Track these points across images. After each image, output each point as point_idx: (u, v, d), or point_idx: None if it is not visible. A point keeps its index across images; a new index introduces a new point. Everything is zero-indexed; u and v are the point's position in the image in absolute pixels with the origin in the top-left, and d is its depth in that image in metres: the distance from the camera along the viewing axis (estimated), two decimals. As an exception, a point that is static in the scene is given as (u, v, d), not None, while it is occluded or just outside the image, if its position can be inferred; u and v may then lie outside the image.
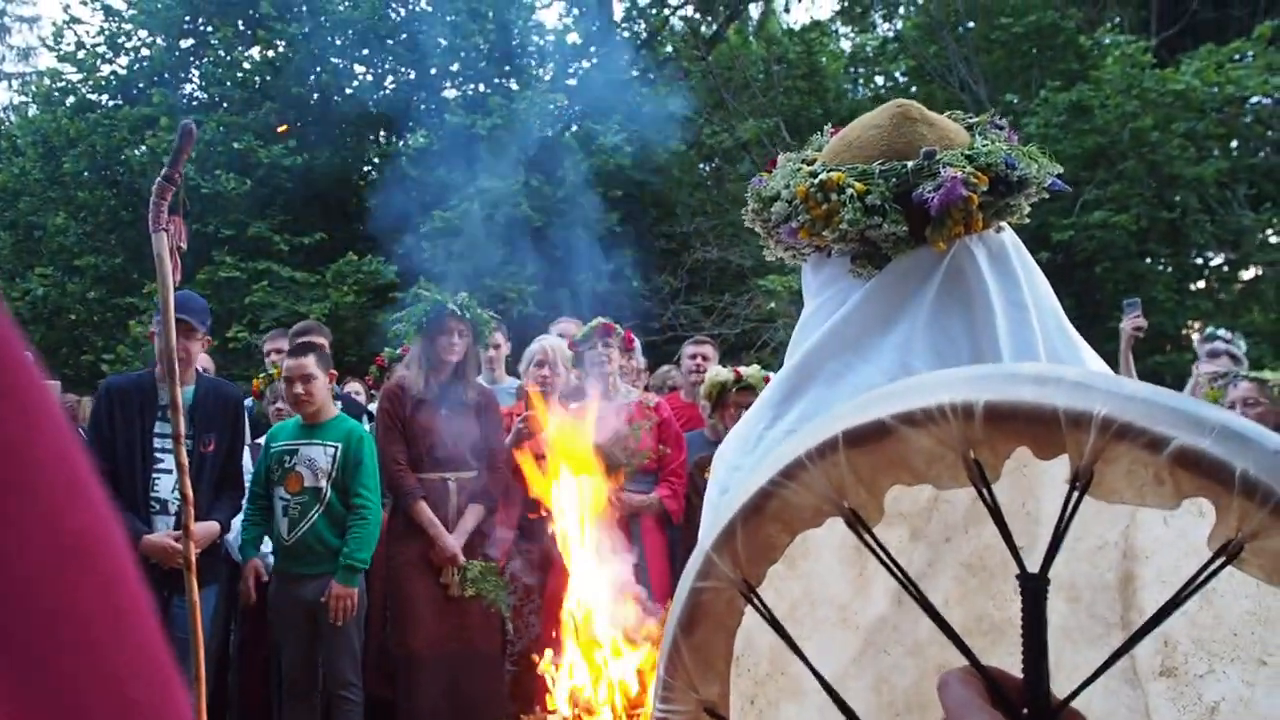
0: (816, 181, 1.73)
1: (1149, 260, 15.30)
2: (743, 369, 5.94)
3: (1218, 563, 0.69)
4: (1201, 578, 0.70)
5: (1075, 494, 0.70)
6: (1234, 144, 15.45)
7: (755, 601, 0.79)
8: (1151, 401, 0.69)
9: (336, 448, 5.54)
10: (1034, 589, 0.72)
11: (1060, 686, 0.75)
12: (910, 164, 1.69)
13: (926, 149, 1.70)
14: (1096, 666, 0.75)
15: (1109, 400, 0.68)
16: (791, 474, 0.76)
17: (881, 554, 0.76)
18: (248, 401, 6.53)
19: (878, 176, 1.69)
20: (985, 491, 0.73)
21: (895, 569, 0.76)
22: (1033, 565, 0.73)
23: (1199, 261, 16.15)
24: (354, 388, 7.48)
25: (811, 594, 0.82)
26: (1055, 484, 0.74)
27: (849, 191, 1.68)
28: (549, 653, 4.50)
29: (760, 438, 1.70)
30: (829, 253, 1.78)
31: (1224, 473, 0.66)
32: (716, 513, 1.68)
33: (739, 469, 1.70)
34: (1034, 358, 1.60)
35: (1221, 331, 6.83)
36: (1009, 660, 0.75)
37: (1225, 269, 16.18)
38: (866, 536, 0.76)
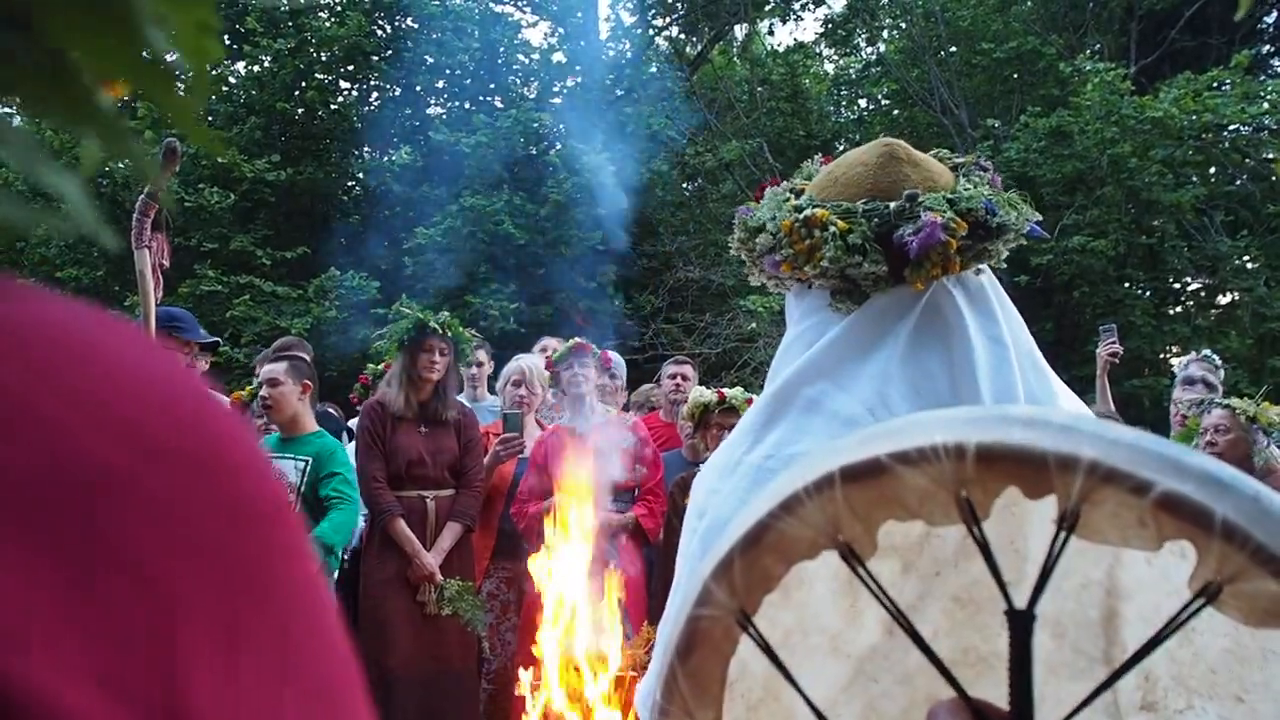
0: (801, 217, 1.76)
1: (1127, 285, 15.44)
2: (725, 390, 5.96)
3: (1198, 604, 0.72)
4: (1182, 618, 0.72)
5: (1062, 534, 0.73)
6: (1211, 171, 15.62)
7: (751, 630, 0.81)
8: (1137, 446, 0.71)
9: (307, 462, 5.49)
10: (1021, 624, 0.74)
11: (1045, 719, 0.78)
12: (893, 205, 1.73)
13: (909, 191, 1.73)
14: (1080, 700, 0.77)
15: (1096, 444, 0.71)
16: (789, 507, 0.78)
17: (874, 586, 0.78)
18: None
19: (860, 215, 1.73)
20: (975, 529, 0.75)
21: (887, 601, 0.79)
22: (1019, 600, 0.76)
23: (1176, 286, 16.31)
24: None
25: (804, 623, 0.85)
26: (1043, 523, 0.76)
27: (832, 229, 1.72)
28: (524, 673, 4.50)
29: (739, 462, 1.73)
30: (810, 284, 1.82)
31: (1205, 517, 0.69)
32: (698, 538, 1.71)
33: (717, 493, 1.73)
34: (1013, 394, 1.63)
35: (1206, 352, 6.83)
36: (995, 692, 0.78)
37: (1202, 294, 16.33)
38: (860, 569, 0.79)
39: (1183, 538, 0.70)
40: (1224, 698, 0.79)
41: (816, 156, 2.04)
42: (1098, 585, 0.81)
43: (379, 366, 6.69)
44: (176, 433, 0.40)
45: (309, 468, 5.47)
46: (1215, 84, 14.62)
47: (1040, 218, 1.86)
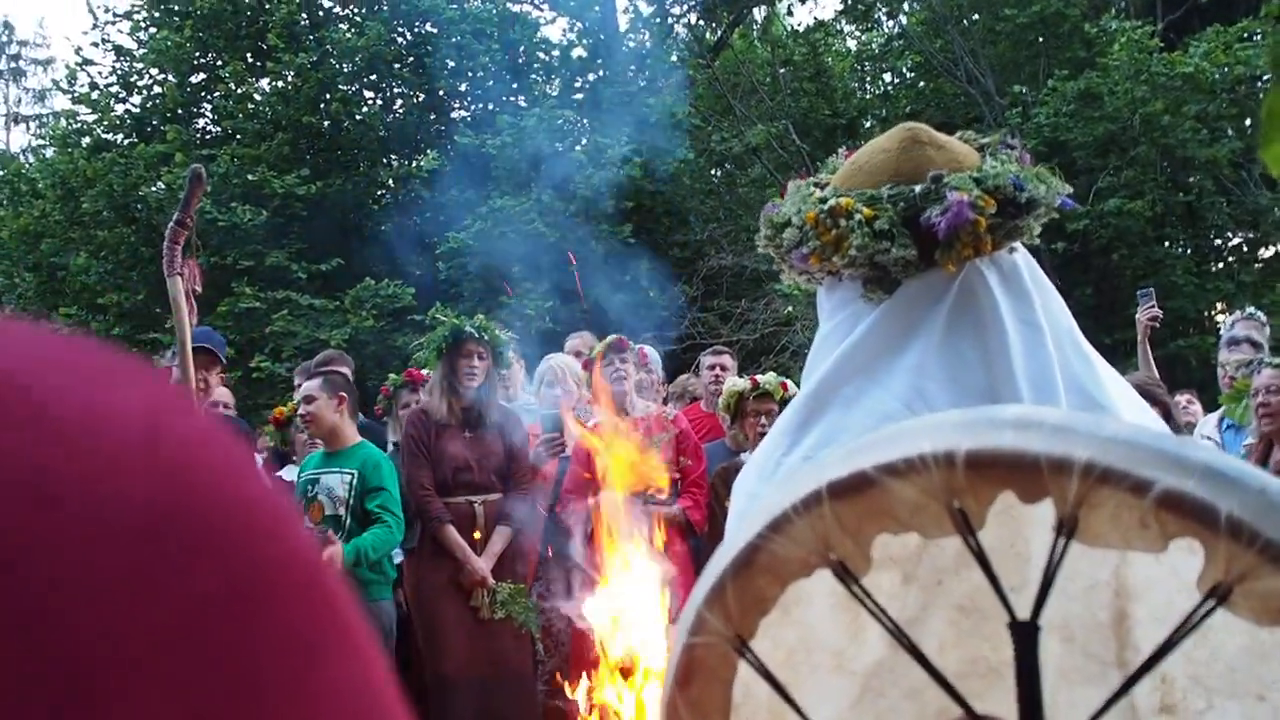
0: (826, 207, 1.74)
1: (1167, 245, 15.21)
2: (759, 377, 5.93)
3: (1207, 606, 0.68)
4: (1192, 622, 0.69)
5: (1061, 541, 0.70)
6: (1247, 123, 15.34)
7: (748, 655, 0.79)
8: (1134, 443, 0.68)
9: (353, 474, 5.55)
10: (1025, 636, 0.71)
11: (1060, 727, 0.75)
12: (918, 188, 1.69)
13: (934, 172, 1.70)
14: (1094, 705, 0.74)
15: (1091, 444, 0.68)
16: (778, 527, 0.76)
17: (870, 604, 0.76)
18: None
19: (886, 201, 1.70)
20: (971, 539, 0.72)
21: (884, 618, 0.76)
22: (1023, 608, 0.73)
23: (1218, 243, 16.06)
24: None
25: (807, 641, 0.82)
26: (1044, 523, 0.73)
27: (857, 217, 1.69)
28: (582, 676, 4.51)
29: (778, 464, 1.71)
30: (841, 276, 1.79)
31: (1209, 515, 0.65)
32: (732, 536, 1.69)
33: (757, 496, 1.71)
34: (1049, 378, 1.59)
35: (1251, 310, 6.68)
36: (1006, 702, 0.75)
37: (1244, 249, 16.07)
38: (854, 587, 0.76)
39: (1188, 536, 0.67)
40: (1245, 696, 0.76)
41: (840, 150, 2.02)
42: (1105, 586, 0.78)
43: (400, 378, 6.72)
44: (142, 485, 0.31)
45: (355, 480, 5.53)
46: (1246, 35, 14.35)
47: (1071, 190, 1.82)
